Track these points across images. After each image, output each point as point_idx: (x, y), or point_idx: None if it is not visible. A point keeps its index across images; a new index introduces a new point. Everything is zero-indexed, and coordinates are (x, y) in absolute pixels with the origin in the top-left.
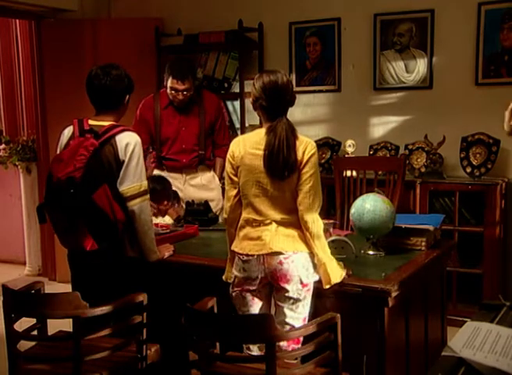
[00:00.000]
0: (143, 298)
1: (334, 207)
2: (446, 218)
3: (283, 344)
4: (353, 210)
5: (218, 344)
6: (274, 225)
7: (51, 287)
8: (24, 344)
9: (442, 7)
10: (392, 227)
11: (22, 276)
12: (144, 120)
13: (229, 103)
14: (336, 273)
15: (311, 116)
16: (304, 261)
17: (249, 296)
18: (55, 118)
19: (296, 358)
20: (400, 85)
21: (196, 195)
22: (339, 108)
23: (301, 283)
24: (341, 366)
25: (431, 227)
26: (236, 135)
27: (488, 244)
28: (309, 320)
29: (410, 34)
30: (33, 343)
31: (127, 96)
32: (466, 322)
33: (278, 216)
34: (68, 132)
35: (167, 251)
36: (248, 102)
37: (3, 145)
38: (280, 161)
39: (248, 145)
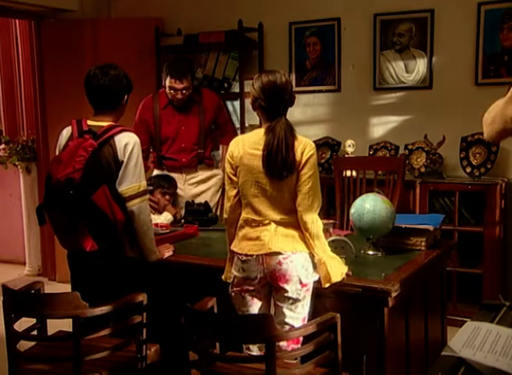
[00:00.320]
0: (143, 298)
1: (334, 207)
2: (446, 218)
3: (283, 344)
4: (353, 210)
5: (218, 344)
6: (273, 225)
7: (51, 287)
8: (24, 344)
9: (442, 7)
10: (392, 227)
11: (22, 276)
12: (144, 121)
13: (229, 103)
14: (337, 272)
15: (310, 116)
16: (303, 261)
17: (248, 296)
18: (55, 118)
19: (295, 358)
20: (399, 85)
21: (196, 191)
22: (339, 108)
23: (300, 283)
24: (341, 366)
25: (431, 227)
26: (236, 135)
27: (488, 244)
28: (309, 320)
29: (410, 34)
30: (33, 343)
31: (126, 96)
32: (466, 322)
33: (277, 216)
34: (66, 133)
35: (167, 251)
36: (248, 102)
37: (3, 145)
38: (279, 161)
39: (247, 145)
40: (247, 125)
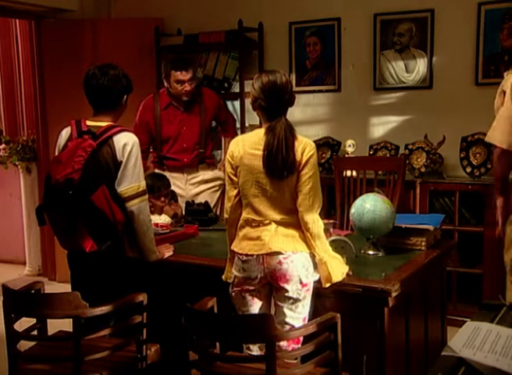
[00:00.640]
0: (143, 298)
1: (334, 207)
2: (446, 218)
3: (283, 344)
4: (353, 210)
5: (218, 344)
6: (273, 225)
7: (51, 287)
8: (24, 344)
9: (442, 7)
10: (392, 227)
11: (22, 276)
12: (145, 122)
13: (229, 103)
14: (338, 272)
15: (310, 116)
16: (303, 261)
17: (249, 296)
18: (55, 118)
19: (296, 358)
20: (399, 85)
21: (197, 190)
22: (339, 108)
23: (301, 283)
24: (341, 366)
25: (431, 227)
26: (236, 135)
27: (488, 244)
28: (309, 320)
29: (410, 34)
30: (33, 343)
31: (125, 96)
32: (466, 322)
33: (277, 216)
34: (65, 133)
35: (167, 251)
36: (248, 102)
37: (3, 145)
38: (279, 161)
39: (247, 145)
40: (247, 125)
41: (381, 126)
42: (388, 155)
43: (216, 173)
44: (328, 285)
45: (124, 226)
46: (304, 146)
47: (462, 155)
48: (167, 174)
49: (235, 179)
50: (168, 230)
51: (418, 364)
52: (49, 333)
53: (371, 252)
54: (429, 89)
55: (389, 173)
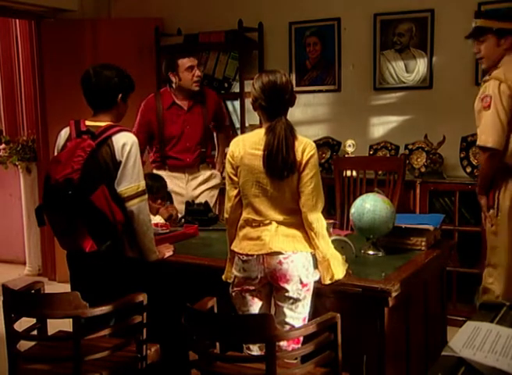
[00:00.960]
0: (143, 298)
1: (334, 207)
2: (446, 218)
3: (283, 344)
4: (353, 210)
5: (218, 344)
6: (274, 225)
7: (51, 287)
8: (24, 344)
9: (442, 7)
10: (392, 227)
11: (22, 276)
12: (146, 122)
13: (229, 103)
14: (339, 271)
15: (310, 116)
16: (303, 261)
17: (249, 296)
18: (55, 118)
19: (296, 358)
20: (399, 85)
21: (197, 190)
22: (339, 108)
23: (301, 283)
24: (341, 366)
25: (431, 227)
26: (236, 135)
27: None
28: (309, 320)
29: (410, 34)
30: (33, 343)
31: (120, 95)
32: (466, 322)
33: (278, 216)
34: (65, 133)
35: (167, 251)
36: (248, 102)
37: (3, 145)
38: (279, 161)
39: (248, 145)
40: (247, 125)
41: (381, 126)
42: (388, 155)
43: (214, 171)
44: (329, 282)
45: (124, 226)
46: (305, 146)
47: (462, 155)
48: (168, 173)
49: (235, 179)
50: (168, 230)
51: (418, 364)
52: (49, 333)
53: (371, 252)
54: (429, 89)
55: (389, 173)
